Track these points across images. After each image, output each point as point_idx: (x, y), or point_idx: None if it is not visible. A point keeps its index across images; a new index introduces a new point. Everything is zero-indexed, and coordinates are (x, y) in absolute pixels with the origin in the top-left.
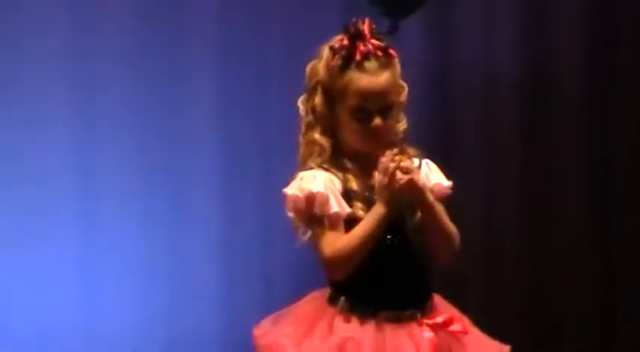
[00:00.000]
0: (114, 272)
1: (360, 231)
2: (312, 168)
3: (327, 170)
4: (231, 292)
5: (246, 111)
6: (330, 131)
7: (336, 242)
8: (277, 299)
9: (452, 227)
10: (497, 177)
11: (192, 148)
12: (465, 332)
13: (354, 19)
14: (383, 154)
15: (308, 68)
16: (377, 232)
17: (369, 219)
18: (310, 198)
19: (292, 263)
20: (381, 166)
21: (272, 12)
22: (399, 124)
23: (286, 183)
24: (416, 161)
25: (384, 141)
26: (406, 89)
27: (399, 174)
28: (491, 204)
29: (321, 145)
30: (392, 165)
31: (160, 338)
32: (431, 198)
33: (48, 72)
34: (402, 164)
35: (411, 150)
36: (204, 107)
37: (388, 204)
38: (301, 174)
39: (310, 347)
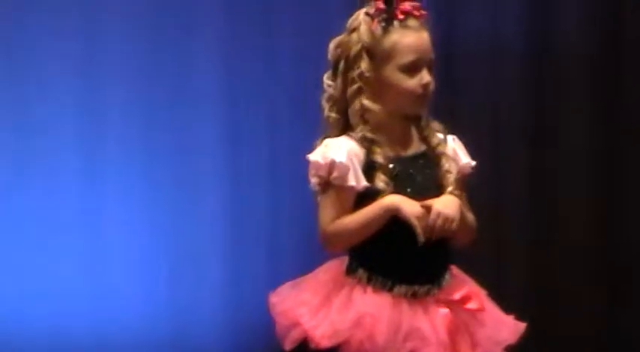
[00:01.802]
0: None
1: (363, 217)
2: (336, 134)
3: (354, 139)
4: (236, 286)
5: (254, 104)
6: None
7: (337, 218)
8: None
9: (471, 216)
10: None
11: (199, 142)
12: (482, 310)
13: None
14: (422, 117)
15: (333, 43)
16: (380, 223)
17: (378, 209)
18: (331, 166)
19: (299, 253)
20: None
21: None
22: None
23: (294, 177)
24: (440, 135)
25: (430, 100)
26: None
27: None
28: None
29: (372, 111)
30: (437, 223)
31: (165, 332)
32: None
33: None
34: (444, 217)
35: (436, 125)
36: (210, 101)
37: (410, 218)
38: (327, 141)
39: (327, 319)
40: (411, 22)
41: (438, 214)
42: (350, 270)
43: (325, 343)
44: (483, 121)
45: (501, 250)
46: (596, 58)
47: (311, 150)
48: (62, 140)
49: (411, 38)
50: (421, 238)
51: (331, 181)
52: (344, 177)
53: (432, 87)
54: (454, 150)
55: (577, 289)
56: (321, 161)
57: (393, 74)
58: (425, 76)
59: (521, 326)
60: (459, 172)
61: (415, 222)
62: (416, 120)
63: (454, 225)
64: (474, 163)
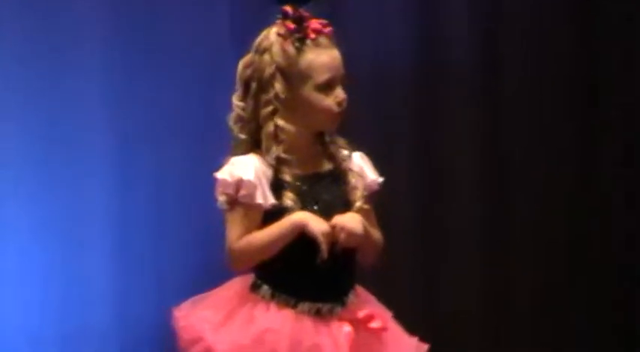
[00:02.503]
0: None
1: (270, 234)
2: (243, 154)
3: (261, 156)
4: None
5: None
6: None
7: (242, 236)
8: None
9: (377, 234)
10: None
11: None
12: (385, 329)
13: (286, 7)
14: (332, 136)
15: (242, 64)
16: (287, 240)
17: (285, 226)
18: (239, 184)
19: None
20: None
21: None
22: None
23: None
24: (345, 152)
25: (343, 115)
26: None
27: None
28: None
29: (286, 131)
30: (341, 236)
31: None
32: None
33: None
34: (347, 230)
35: (341, 141)
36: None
37: (317, 234)
38: (234, 159)
39: (229, 335)
40: (323, 41)
41: (342, 228)
42: (254, 287)
43: None
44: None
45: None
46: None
47: (218, 168)
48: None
49: (325, 57)
50: (324, 254)
51: (239, 199)
52: (251, 195)
53: (345, 103)
54: (360, 167)
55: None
56: (229, 179)
57: (310, 94)
58: (340, 93)
59: (424, 347)
60: (366, 188)
61: (321, 239)
62: (320, 137)
63: (357, 238)
64: (380, 180)
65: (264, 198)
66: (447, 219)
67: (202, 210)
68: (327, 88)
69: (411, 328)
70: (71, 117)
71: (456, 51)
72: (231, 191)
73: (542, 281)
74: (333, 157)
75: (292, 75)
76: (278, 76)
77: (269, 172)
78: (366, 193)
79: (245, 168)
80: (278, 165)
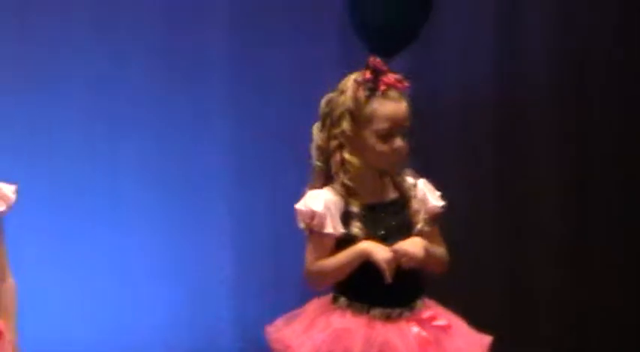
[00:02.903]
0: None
1: (339, 261)
2: (321, 187)
3: (334, 190)
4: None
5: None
6: (357, 153)
7: (318, 259)
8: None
9: (441, 251)
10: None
11: (206, 147)
12: (449, 327)
13: (371, 58)
14: (394, 173)
15: (325, 100)
16: (354, 266)
17: (352, 255)
18: (311, 215)
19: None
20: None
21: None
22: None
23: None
24: (411, 180)
25: (404, 161)
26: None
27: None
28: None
29: (351, 163)
30: (402, 261)
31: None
32: (425, 254)
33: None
34: (409, 256)
35: (407, 171)
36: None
37: (380, 262)
38: (309, 193)
39: (310, 339)
40: (392, 93)
41: (404, 254)
42: (334, 300)
43: None
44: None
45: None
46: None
47: (300, 197)
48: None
49: (388, 108)
50: (388, 279)
51: (313, 228)
52: (322, 224)
53: (404, 151)
54: (423, 193)
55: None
56: (304, 209)
57: (369, 137)
58: (397, 142)
59: (487, 339)
60: (427, 212)
61: (384, 266)
62: (402, 166)
63: (417, 261)
64: (442, 204)
65: (334, 227)
66: None
67: None
68: (384, 136)
69: None
70: (191, 125)
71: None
72: (307, 220)
73: None
74: (398, 187)
75: (358, 117)
76: (347, 116)
77: (340, 204)
78: (426, 216)
79: (317, 201)
80: (347, 195)
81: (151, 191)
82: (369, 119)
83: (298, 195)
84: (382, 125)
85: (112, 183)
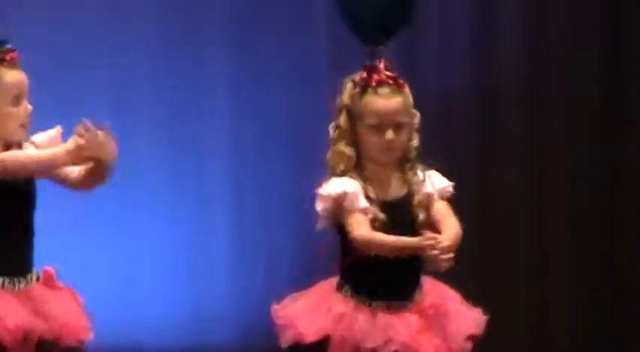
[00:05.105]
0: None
1: (394, 241)
2: (343, 176)
3: (353, 178)
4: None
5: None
6: (354, 145)
7: (368, 227)
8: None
9: (458, 229)
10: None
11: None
12: (446, 310)
13: (371, 59)
14: (399, 166)
15: (339, 93)
16: (406, 253)
17: (408, 243)
18: (342, 196)
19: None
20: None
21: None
22: (412, 142)
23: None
24: (420, 174)
25: (396, 153)
26: (418, 115)
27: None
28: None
29: (347, 155)
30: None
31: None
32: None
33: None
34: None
35: (419, 166)
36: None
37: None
38: (334, 180)
39: (314, 321)
40: (383, 90)
41: (448, 248)
42: (339, 286)
43: (311, 338)
44: None
45: None
46: None
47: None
48: None
49: (378, 104)
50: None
51: (345, 207)
52: (356, 201)
53: (395, 144)
54: (432, 184)
55: None
56: (332, 192)
57: (362, 130)
58: (388, 135)
59: (483, 317)
60: (439, 194)
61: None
62: (400, 165)
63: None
64: (451, 185)
65: (366, 204)
66: None
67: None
68: (376, 129)
69: None
70: (197, 119)
71: None
72: (330, 203)
73: None
74: (407, 181)
75: (353, 112)
76: (343, 111)
77: (360, 190)
78: (421, 198)
79: (345, 184)
80: (364, 183)
81: (151, 191)
82: (361, 114)
83: (298, 195)
84: (372, 120)
85: (112, 183)
